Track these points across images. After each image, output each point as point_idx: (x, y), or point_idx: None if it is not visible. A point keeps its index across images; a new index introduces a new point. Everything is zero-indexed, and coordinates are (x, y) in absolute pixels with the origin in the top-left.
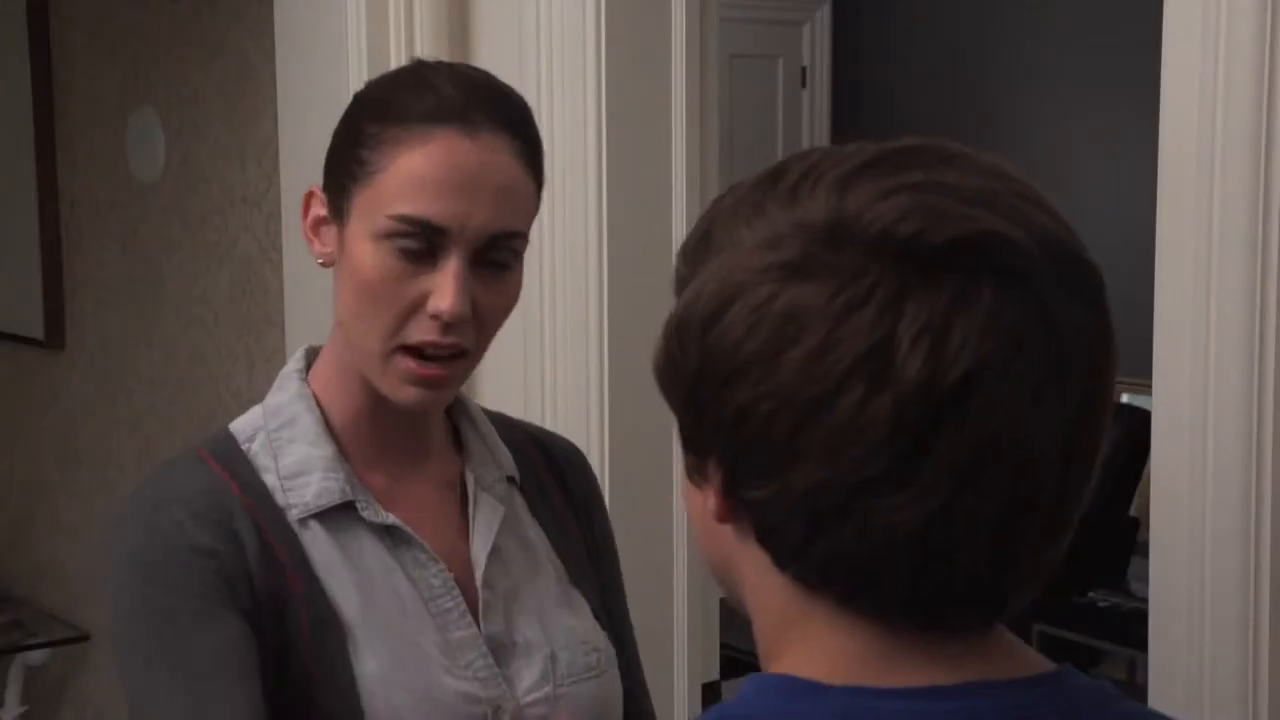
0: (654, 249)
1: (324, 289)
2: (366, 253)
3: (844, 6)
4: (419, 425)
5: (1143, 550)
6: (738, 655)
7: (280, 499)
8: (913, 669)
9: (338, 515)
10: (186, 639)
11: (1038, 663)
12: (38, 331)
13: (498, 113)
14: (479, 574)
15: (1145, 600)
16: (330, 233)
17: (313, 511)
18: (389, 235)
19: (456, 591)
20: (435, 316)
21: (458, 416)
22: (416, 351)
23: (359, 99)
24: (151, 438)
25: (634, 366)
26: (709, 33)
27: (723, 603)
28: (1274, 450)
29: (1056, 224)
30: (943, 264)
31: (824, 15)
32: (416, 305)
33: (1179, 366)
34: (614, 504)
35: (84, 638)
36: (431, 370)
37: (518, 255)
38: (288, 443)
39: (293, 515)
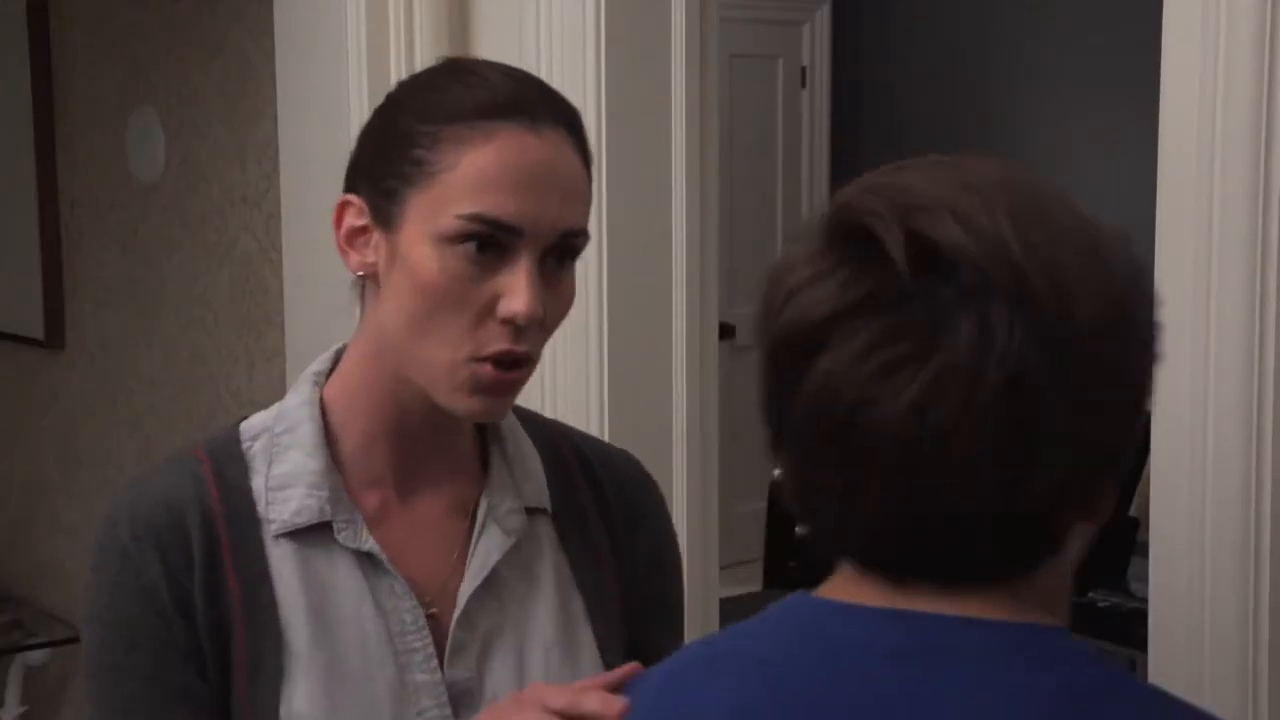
0: (654, 249)
1: (324, 289)
2: (429, 256)
3: (844, 6)
4: (443, 443)
5: (1143, 550)
6: None
7: (262, 509)
8: (877, 597)
9: (316, 535)
10: (121, 704)
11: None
12: (38, 331)
13: (555, 109)
14: (456, 612)
15: (1145, 600)
16: (371, 241)
17: (289, 529)
18: (456, 237)
19: (426, 631)
20: (508, 320)
21: (489, 435)
22: (488, 360)
23: (398, 100)
24: (151, 438)
25: (634, 366)
26: (709, 33)
27: (723, 603)
28: (1274, 450)
29: (970, 237)
30: (828, 243)
31: (824, 15)
32: (485, 310)
33: (1179, 366)
34: None
35: None
36: (505, 376)
37: (578, 254)
38: (285, 449)
39: (270, 530)
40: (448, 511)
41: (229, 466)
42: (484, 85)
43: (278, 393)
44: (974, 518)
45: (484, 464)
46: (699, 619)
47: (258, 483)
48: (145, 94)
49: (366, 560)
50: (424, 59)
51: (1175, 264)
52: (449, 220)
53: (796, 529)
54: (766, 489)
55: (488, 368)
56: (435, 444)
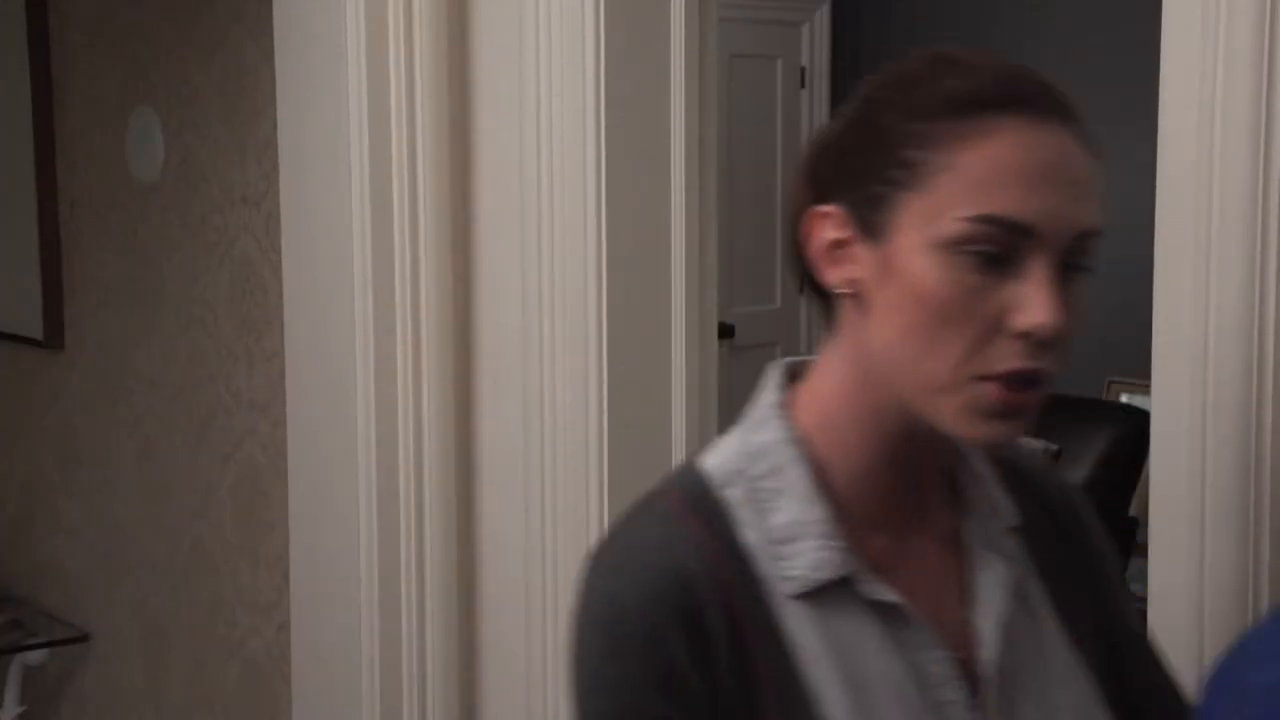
0: (653, 249)
1: (323, 289)
2: (929, 267)
3: (843, 6)
4: (934, 474)
5: (1142, 551)
6: None
7: (765, 567)
8: None
9: (829, 591)
10: None
11: None
12: (37, 331)
13: (1056, 101)
14: (986, 653)
15: (1145, 600)
16: (855, 254)
17: (810, 587)
18: (961, 242)
19: (960, 681)
20: (1024, 334)
21: (953, 457)
22: (999, 380)
23: (876, 97)
24: (151, 438)
25: (634, 366)
26: (709, 33)
27: None
28: (1273, 451)
29: None
30: None
31: (823, 15)
32: (993, 325)
33: (1179, 366)
34: (613, 504)
35: (83, 638)
36: (1018, 397)
37: (1090, 259)
38: (774, 495)
39: (782, 590)
40: (938, 544)
41: (713, 517)
42: (976, 76)
43: (277, 392)
44: None
45: (949, 485)
46: None
47: (750, 536)
48: (145, 94)
49: (886, 611)
50: (423, 59)
51: (1174, 264)
52: (951, 224)
53: None
54: None
55: (994, 387)
56: (926, 474)
